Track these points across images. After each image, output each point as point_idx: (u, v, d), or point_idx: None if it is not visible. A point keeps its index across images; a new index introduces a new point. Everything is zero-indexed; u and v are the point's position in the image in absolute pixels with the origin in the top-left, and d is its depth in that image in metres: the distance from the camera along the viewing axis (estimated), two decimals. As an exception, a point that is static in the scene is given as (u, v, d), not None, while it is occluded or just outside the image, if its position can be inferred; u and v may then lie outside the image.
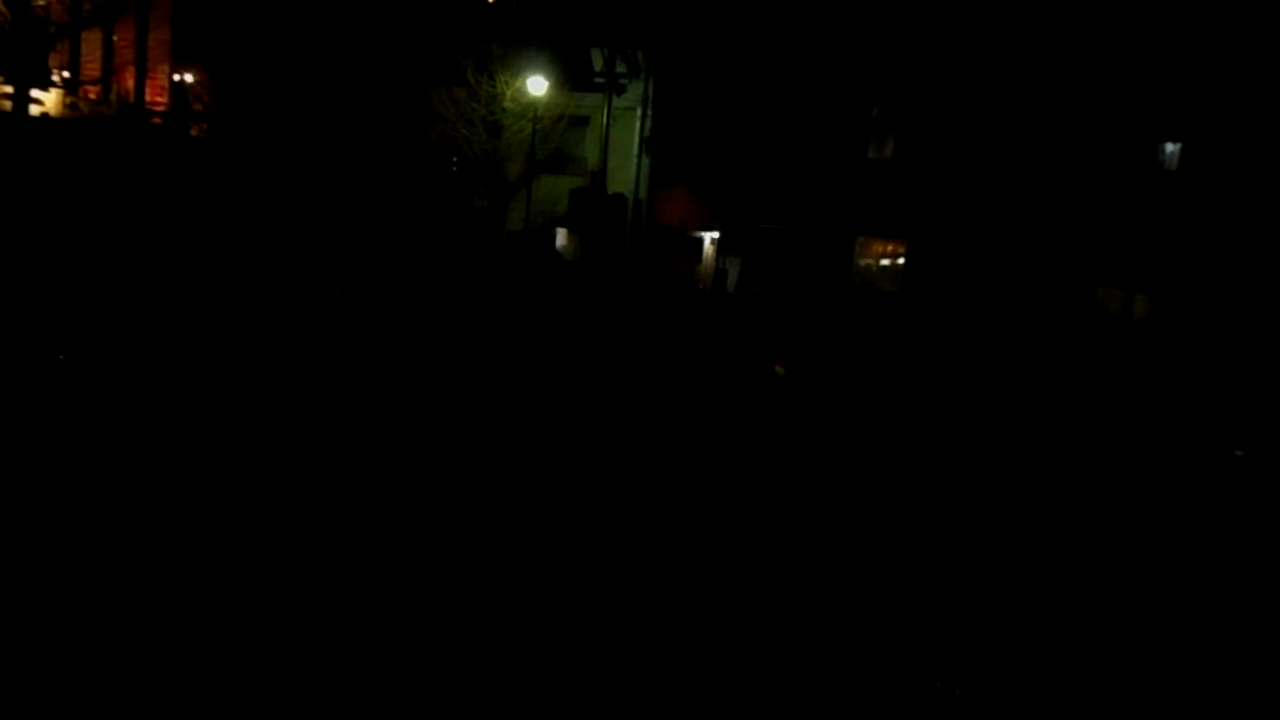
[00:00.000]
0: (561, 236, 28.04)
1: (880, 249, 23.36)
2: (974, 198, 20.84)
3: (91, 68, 37.78)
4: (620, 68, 27.16)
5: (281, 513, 6.43)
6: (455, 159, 30.09)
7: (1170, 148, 19.18)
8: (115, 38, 37.41)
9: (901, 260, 22.75)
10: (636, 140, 28.24)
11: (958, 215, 21.06)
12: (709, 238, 26.65)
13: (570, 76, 28.16)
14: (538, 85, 25.58)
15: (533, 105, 26.50)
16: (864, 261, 23.47)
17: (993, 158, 20.64)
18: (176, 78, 35.44)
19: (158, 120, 33.97)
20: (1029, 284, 19.65)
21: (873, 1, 22.27)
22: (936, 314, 19.53)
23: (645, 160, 28.18)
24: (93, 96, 34.77)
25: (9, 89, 23.81)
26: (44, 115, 26.12)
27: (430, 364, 12.15)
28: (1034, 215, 19.99)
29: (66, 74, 34.38)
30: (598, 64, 27.84)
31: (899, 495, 8.39)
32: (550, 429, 9.55)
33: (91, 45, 38.04)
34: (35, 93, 24.75)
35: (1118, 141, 19.37)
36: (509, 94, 28.01)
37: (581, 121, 29.37)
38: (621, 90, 27.35)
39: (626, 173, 28.07)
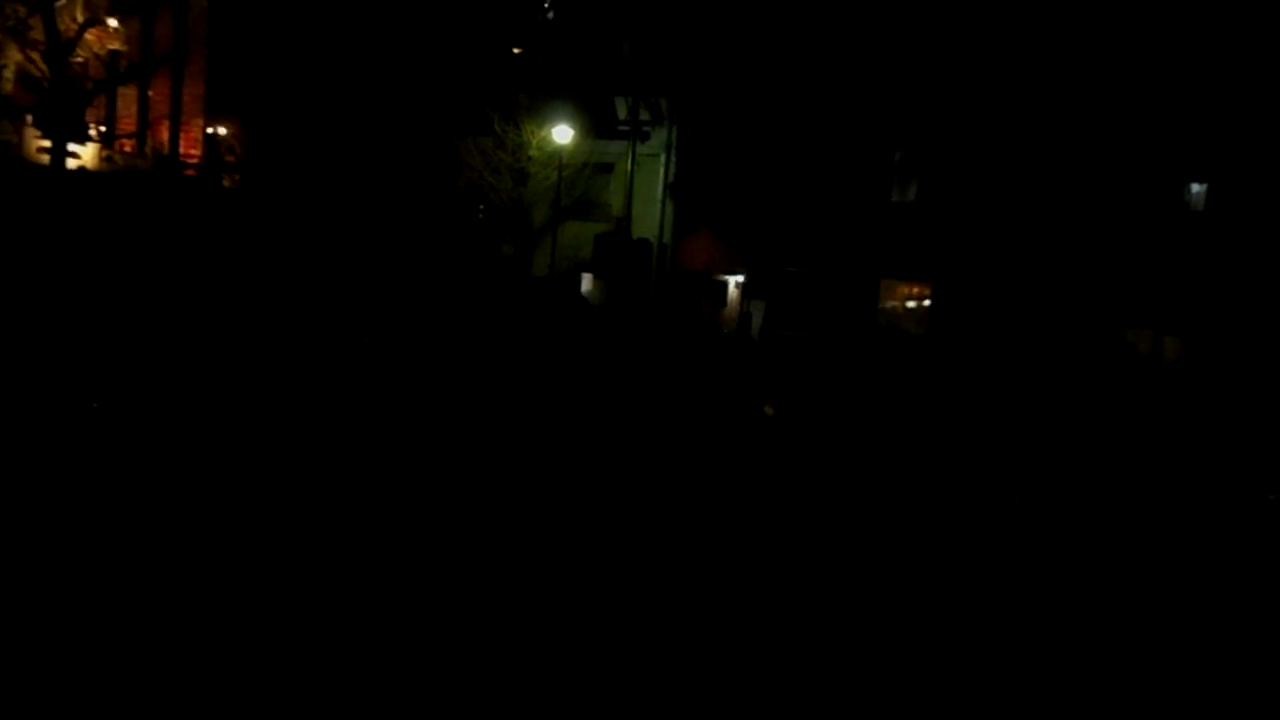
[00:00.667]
0: (587, 282, 28.25)
1: (905, 291, 23.34)
2: (999, 239, 20.82)
3: (127, 122, 38.80)
4: (644, 115, 27.53)
5: (327, 537, 6.48)
6: (482, 207, 30.51)
7: (1196, 188, 19.11)
8: (150, 92, 38.40)
9: (927, 302, 22.71)
10: (660, 185, 28.52)
11: (983, 257, 21.03)
12: (734, 281, 26.75)
13: (595, 124, 28.58)
14: (563, 134, 25.97)
15: (558, 153, 26.88)
16: (889, 304, 23.44)
17: (1018, 199, 20.64)
18: (210, 130, 36.22)
19: (191, 172, 34.71)
20: (1058, 325, 19.53)
21: (895, 47, 22.48)
22: (962, 357, 19.43)
23: (669, 205, 28.43)
24: (128, 149, 35.61)
25: (47, 143, 24.44)
26: (81, 168, 26.79)
27: (456, 405, 12.23)
28: (1061, 256, 19.92)
29: (103, 128, 35.31)
30: (622, 112, 28.23)
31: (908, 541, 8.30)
32: (546, 463, 9.67)
33: (127, 100, 39.09)
34: (72, 146, 25.39)
35: (1144, 182, 19.31)
36: (535, 142, 28.46)
37: (606, 168, 29.74)
38: (645, 137, 27.70)
39: (651, 218, 28.32)
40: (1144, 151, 19.22)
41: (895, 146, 23.20)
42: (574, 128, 26.30)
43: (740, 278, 26.36)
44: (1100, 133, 19.56)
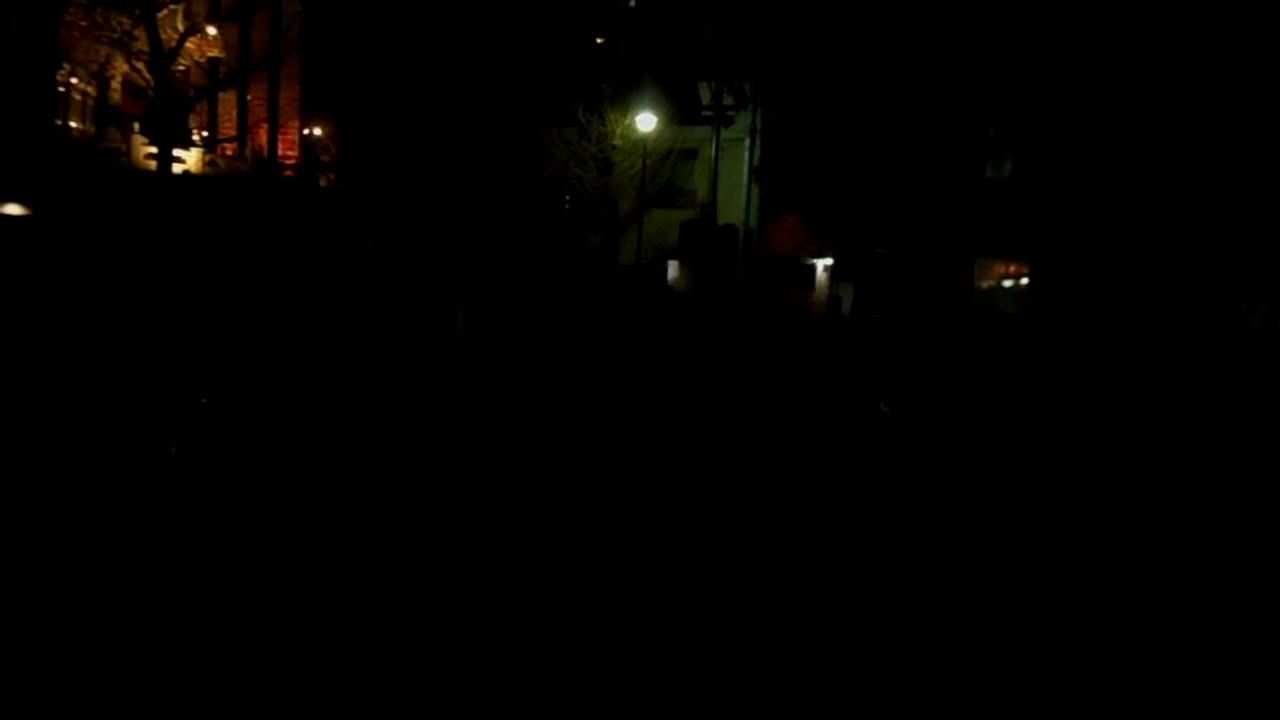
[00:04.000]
0: (673, 269, 28.22)
1: (1001, 270, 22.69)
2: (1101, 213, 20.05)
3: (228, 126, 40.25)
4: (727, 100, 27.31)
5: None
6: (568, 197, 30.76)
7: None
8: (249, 97, 39.77)
9: (1024, 280, 22.04)
10: (745, 170, 28.28)
11: (1084, 232, 20.29)
12: (821, 265, 26.39)
13: (678, 111, 28.50)
14: (646, 121, 25.95)
15: (642, 141, 26.87)
16: (984, 283, 22.83)
17: (1121, 170, 19.84)
18: (305, 131, 37.32)
19: (289, 173, 35.84)
20: (1166, 300, 18.74)
21: (987, 15, 21.82)
22: (1065, 336, 18.80)
23: (754, 190, 28.19)
24: (229, 153, 36.93)
25: (154, 150, 25.45)
26: (186, 173, 27.86)
27: (549, 394, 12.35)
28: (1169, 228, 19.10)
29: (205, 133, 36.69)
30: (705, 97, 28.07)
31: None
32: (660, 464, 9.55)
33: (227, 105, 40.56)
34: (177, 152, 26.40)
35: (1257, 145, 18.38)
36: (619, 131, 28.53)
37: (690, 154, 29.65)
38: (729, 122, 27.49)
39: (736, 203, 28.12)
40: (1255, 113, 18.26)
41: (988, 120, 22.54)
42: (657, 115, 26.25)
43: (828, 261, 26.00)
44: (1209, 95, 18.64)
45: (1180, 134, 19.04)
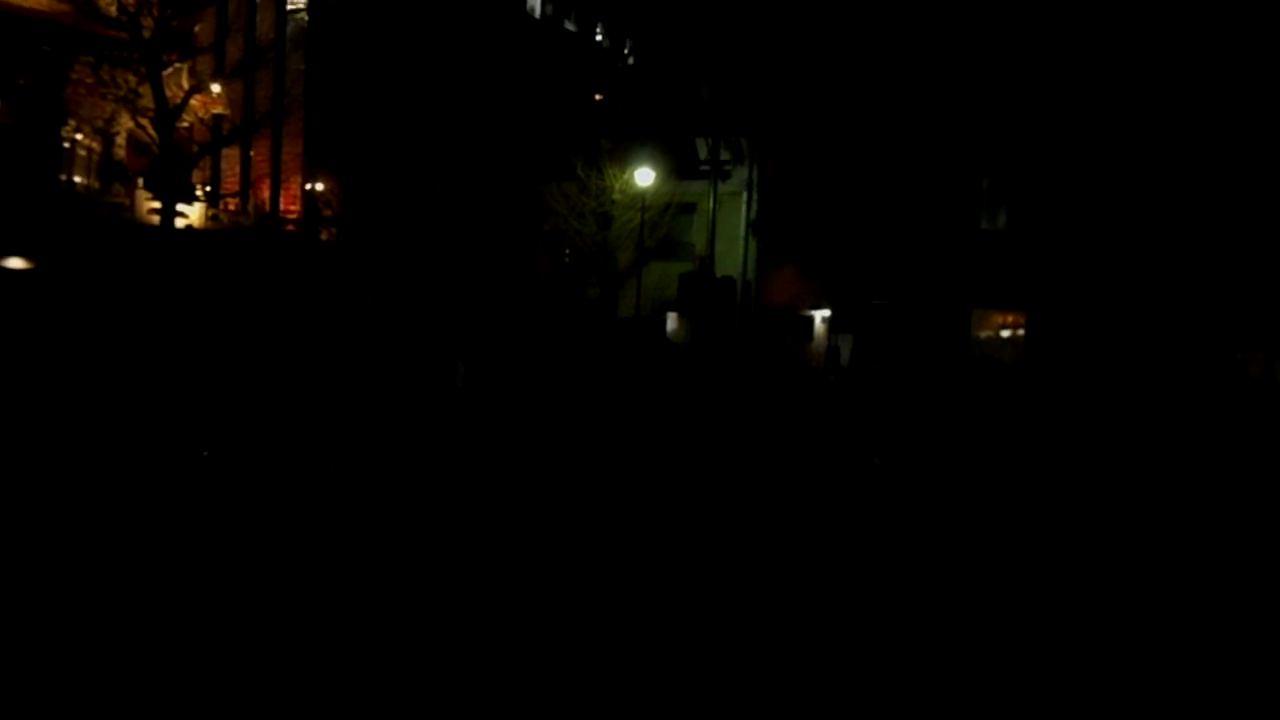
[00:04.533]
0: (672, 321, 28.35)
1: (999, 320, 22.84)
2: (1097, 264, 20.25)
3: (231, 181, 40.73)
4: (724, 155, 27.68)
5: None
6: (567, 250, 31.02)
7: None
8: (252, 153, 40.27)
9: (1021, 331, 22.17)
10: (743, 223, 28.58)
11: (1080, 282, 20.47)
12: (819, 316, 26.54)
13: (676, 166, 28.88)
14: (645, 176, 26.26)
15: (641, 195, 27.18)
16: (982, 333, 22.96)
17: (1116, 220, 20.08)
18: (307, 186, 37.73)
19: (291, 227, 36.13)
20: (1163, 350, 18.84)
21: (980, 74, 22.22)
22: (1062, 385, 18.85)
23: (752, 242, 28.46)
24: (232, 208, 37.27)
25: (157, 204, 25.68)
26: (189, 227, 28.09)
27: (546, 447, 12.35)
28: (1164, 277, 19.27)
29: (208, 188, 37.08)
30: (702, 152, 28.45)
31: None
32: (649, 523, 9.52)
33: (231, 161, 41.08)
34: (180, 206, 26.63)
35: (1251, 198, 18.62)
36: (618, 186, 28.87)
37: (688, 208, 29.96)
38: (726, 176, 27.83)
39: (734, 255, 28.36)
40: (1250, 166, 18.54)
41: (983, 173, 22.86)
42: (656, 170, 26.59)
43: (826, 312, 26.15)
44: (1202, 146, 18.94)
45: (1175, 184, 19.31)
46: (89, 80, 27.24)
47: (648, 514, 9.49)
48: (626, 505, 9.81)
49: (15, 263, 20.60)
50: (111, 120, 29.59)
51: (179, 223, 26.30)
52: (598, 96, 33.37)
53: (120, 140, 31.29)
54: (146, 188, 28.36)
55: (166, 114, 24.72)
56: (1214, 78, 18.74)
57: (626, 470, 11.53)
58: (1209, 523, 10.12)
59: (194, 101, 28.32)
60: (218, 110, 33.62)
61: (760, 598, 7.09)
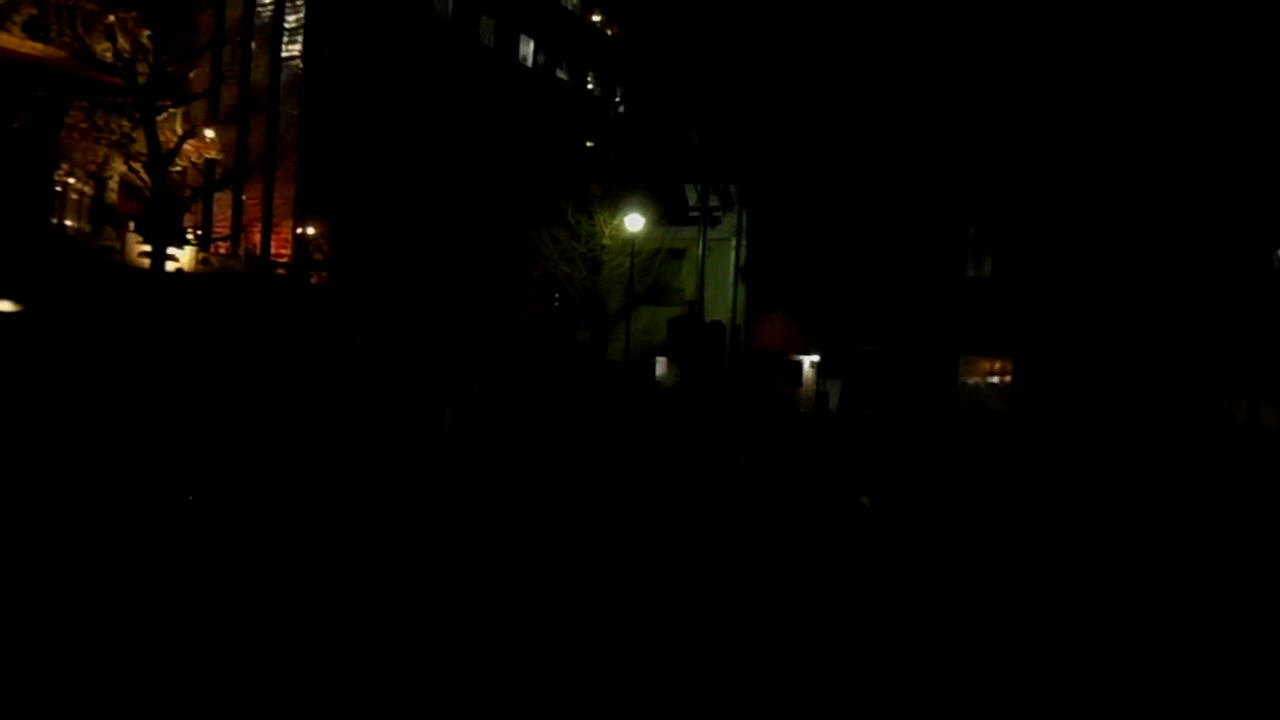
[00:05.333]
0: (661, 365, 28.41)
1: (986, 366, 22.97)
2: (1083, 310, 20.43)
3: (222, 225, 40.86)
4: (713, 201, 27.89)
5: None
6: (557, 294, 31.14)
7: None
8: (244, 197, 40.44)
9: (1009, 377, 22.28)
10: (732, 269, 28.74)
11: (1067, 330, 20.63)
12: (808, 361, 26.64)
13: (666, 211, 29.11)
14: (634, 222, 26.45)
15: (630, 241, 27.36)
16: (970, 379, 23.07)
17: (1101, 268, 20.30)
18: (299, 230, 37.84)
19: (282, 271, 36.17)
20: (1149, 397, 18.96)
21: (966, 123, 22.57)
22: (1049, 431, 18.92)
23: (741, 288, 28.60)
24: (223, 251, 37.35)
25: (148, 248, 25.72)
26: (179, 270, 28.10)
27: (535, 493, 12.32)
28: (1150, 326, 19.45)
29: (199, 232, 37.16)
30: (692, 198, 28.68)
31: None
32: (636, 562, 9.50)
33: (222, 205, 41.24)
34: (171, 250, 26.68)
35: (1234, 248, 18.87)
36: (608, 231, 29.07)
37: (678, 254, 30.15)
38: (716, 222, 28.03)
39: (723, 301, 28.48)
40: (1233, 217, 18.82)
41: (968, 222, 23.13)
42: (645, 215, 26.78)
43: (815, 357, 26.25)
44: (1187, 196, 19.22)
45: (1159, 233, 19.56)
46: (83, 125, 27.43)
47: (635, 556, 9.47)
48: (613, 548, 9.78)
49: (4, 305, 20.56)
50: (104, 164, 29.75)
51: (169, 266, 26.32)
52: (588, 143, 33.71)
53: (113, 184, 31.42)
54: (138, 231, 28.40)
55: (160, 159, 24.89)
56: (1195, 127, 19.08)
57: (615, 514, 11.51)
58: (1193, 567, 10.13)
59: (187, 146, 28.53)
60: (211, 155, 33.84)
61: (745, 633, 7.09)
